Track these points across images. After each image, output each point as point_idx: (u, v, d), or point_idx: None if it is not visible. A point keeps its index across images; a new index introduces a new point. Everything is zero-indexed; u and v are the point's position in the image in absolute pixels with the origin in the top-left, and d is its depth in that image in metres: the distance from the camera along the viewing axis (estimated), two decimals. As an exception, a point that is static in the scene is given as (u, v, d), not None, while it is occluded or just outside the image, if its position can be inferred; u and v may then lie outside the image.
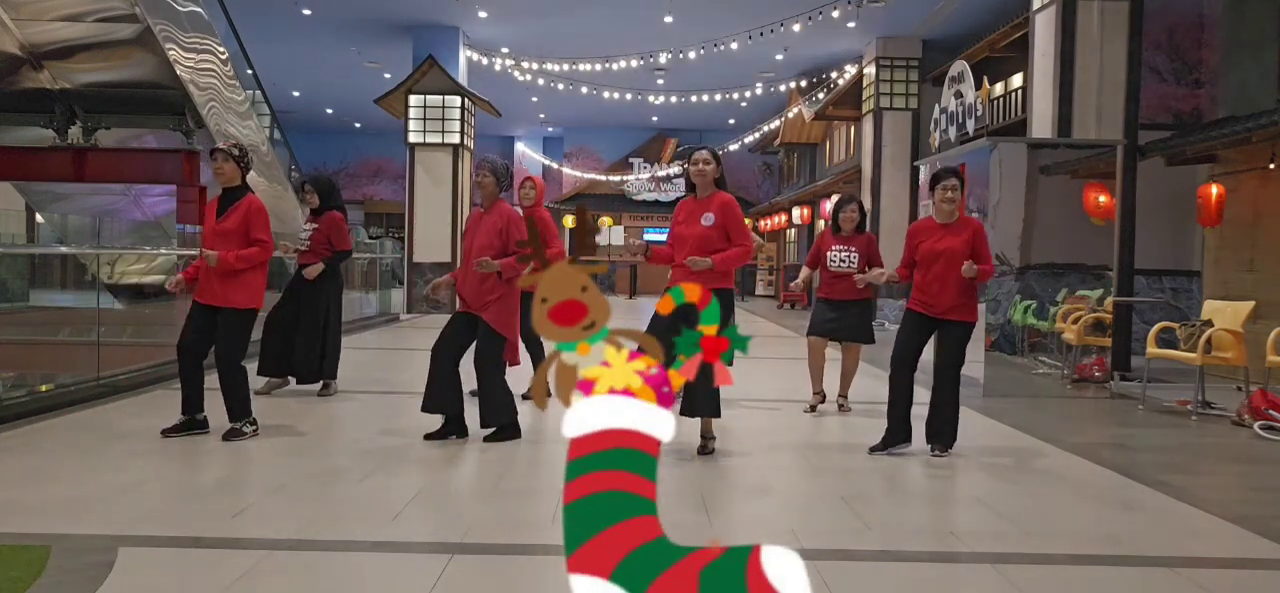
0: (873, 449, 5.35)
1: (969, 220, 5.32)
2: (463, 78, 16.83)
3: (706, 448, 5.20)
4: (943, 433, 5.29)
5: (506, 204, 5.50)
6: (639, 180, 28.07)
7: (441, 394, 5.34)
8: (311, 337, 6.96)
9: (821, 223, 20.50)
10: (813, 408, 6.80)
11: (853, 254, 6.62)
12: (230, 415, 5.29)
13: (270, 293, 6.38)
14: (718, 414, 5.14)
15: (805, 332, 7.01)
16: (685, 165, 5.30)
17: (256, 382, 7.14)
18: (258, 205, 5.36)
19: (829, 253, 6.70)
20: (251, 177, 5.59)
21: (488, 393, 5.38)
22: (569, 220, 27.02)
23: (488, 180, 5.41)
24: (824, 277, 6.77)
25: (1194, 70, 11.66)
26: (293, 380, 7.13)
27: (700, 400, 5.05)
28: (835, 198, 6.92)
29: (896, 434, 5.33)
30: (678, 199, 5.28)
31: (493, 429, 5.42)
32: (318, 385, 7.10)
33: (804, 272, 6.89)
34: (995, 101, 13.74)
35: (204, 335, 5.29)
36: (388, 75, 19.42)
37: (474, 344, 5.43)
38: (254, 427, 5.37)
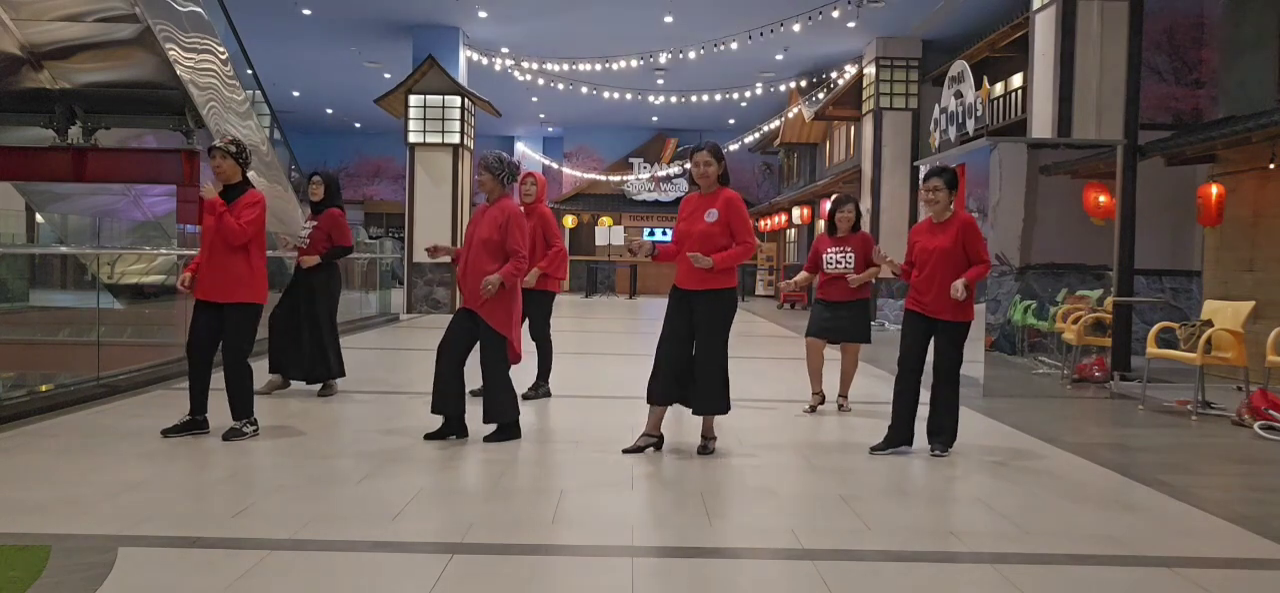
0: (874, 449, 5.36)
1: (961, 219, 5.33)
2: (463, 78, 16.84)
3: (707, 448, 5.21)
4: (942, 432, 5.32)
5: (510, 200, 5.48)
6: (639, 180, 28.07)
7: (445, 395, 5.35)
8: (317, 336, 6.97)
9: (821, 223, 20.50)
10: (812, 409, 6.81)
11: (849, 255, 6.63)
12: (233, 413, 5.31)
13: (272, 292, 6.39)
14: (726, 409, 5.15)
15: (804, 333, 7.02)
16: (687, 164, 5.34)
17: (259, 381, 7.15)
18: (253, 198, 5.38)
19: (825, 255, 6.70)
20: (251, 176, 5.60)
21: (492, 390, 5.38)
22: (570, 221, 27.03)
23: (486, 178, 5.40)
24: (821, 278, 6.78)
25: (1194, 70, 11.66)
26: (290, 382, 7.13)
27: (710, 397, 5.07)
28: (833, 198, 6.92)
29: (898, 435, 5.36)
30: (679, 199, 5.33)
31: (493, 429, 5.42)
32: (317, 385, 7.10)
33: (802, 274, 6.90)
34: (995, 101, 13.74)
35: (212, 333, 5.32)
36: (388, 75, 19.43)
37: (478, 343, 5.43)
38: (254, 427, 5.38)
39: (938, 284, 5.22)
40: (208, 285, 5.25)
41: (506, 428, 5.44)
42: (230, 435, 5.25)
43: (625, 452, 5.16)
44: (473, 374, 5.47)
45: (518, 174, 5.68)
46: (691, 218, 5.12)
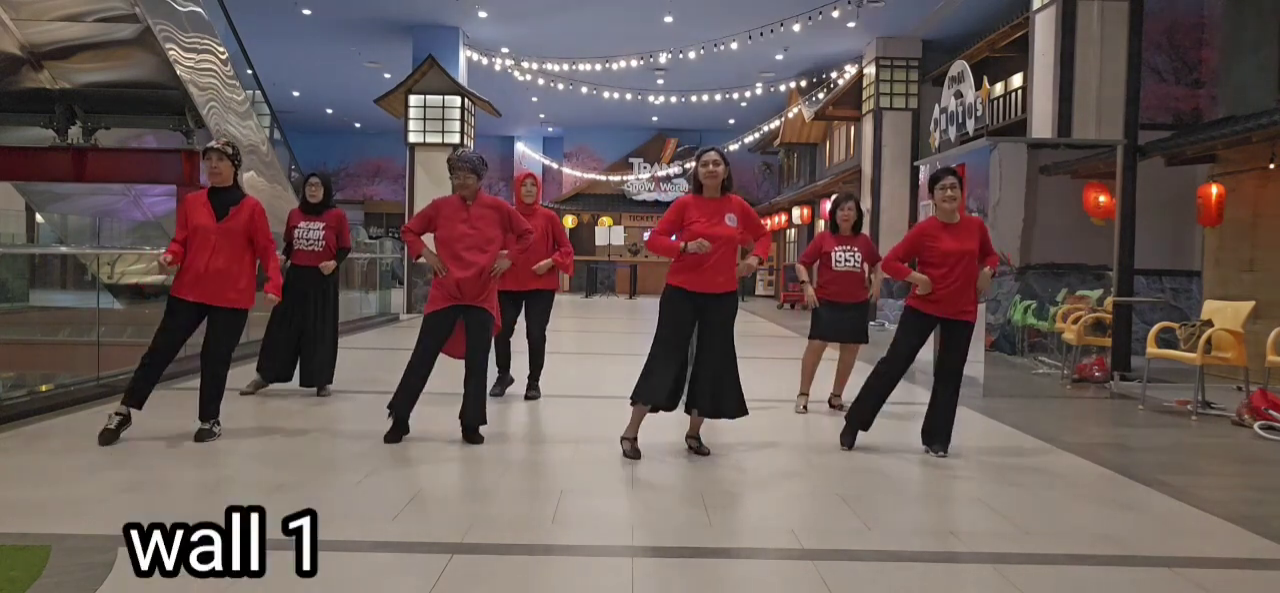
0: (847, 445, 5.44)
1: (972, 220, 5.39)
2: (463, 78, 16.84)
3: (702, 448, 5.22)
4: (944, 433, 5.32)
5: (488, 194, 5.48)
6: (639, 180, 28.07)
7: (411, 399, 5.37)
8: (331, 340, 7.04)
9: (821, 223, 20.49)
10: (805, 409, 6.83)
11: (856, 254, 6.67)
12: (204, 413, 5.26)
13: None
14: (744, 412, 5.14)
15: (808, 334, 7.02)
16: (687, 164, 5.34)
17: (241, 382, 7.15)
18: (261, 208, 5.45)
19: (833, 253, 6.72)
20: (252, 176, 5.62)
21: (478, 391, 5.34)
22: (570, 221, 27.03)
23: (472, 181, 5.34)
24: (825, 277, 6.78)
25: (1194, 70, 11.66)
26: (269, 383, 7.09)
27: (736, 399, 5.08)
28: (834, 196, 6.94)
29: (863, 422, 5.45)
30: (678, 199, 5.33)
31: (477, 431, 5.39)
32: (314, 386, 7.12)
33: (800, 269, 6.89)
34: (995, 101, 13.74)
35: (186, 334, 5.26)
36: (388, 75, 19.43)
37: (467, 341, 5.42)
38: (220, 427, 5.38)
39: (969, 288, 5.24)
40: (204, 287, 5.20)
41: (478, 432, 5.39)
42: (202, 437, 5.21)
43: (627, 456, 5.13)
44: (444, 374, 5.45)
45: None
46: (710, 223, 4.98)
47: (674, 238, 5.05)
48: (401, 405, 5.35)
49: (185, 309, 5.22)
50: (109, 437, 5.07)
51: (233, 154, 5.38)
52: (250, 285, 5.37)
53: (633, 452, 5.07)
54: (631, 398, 5.05)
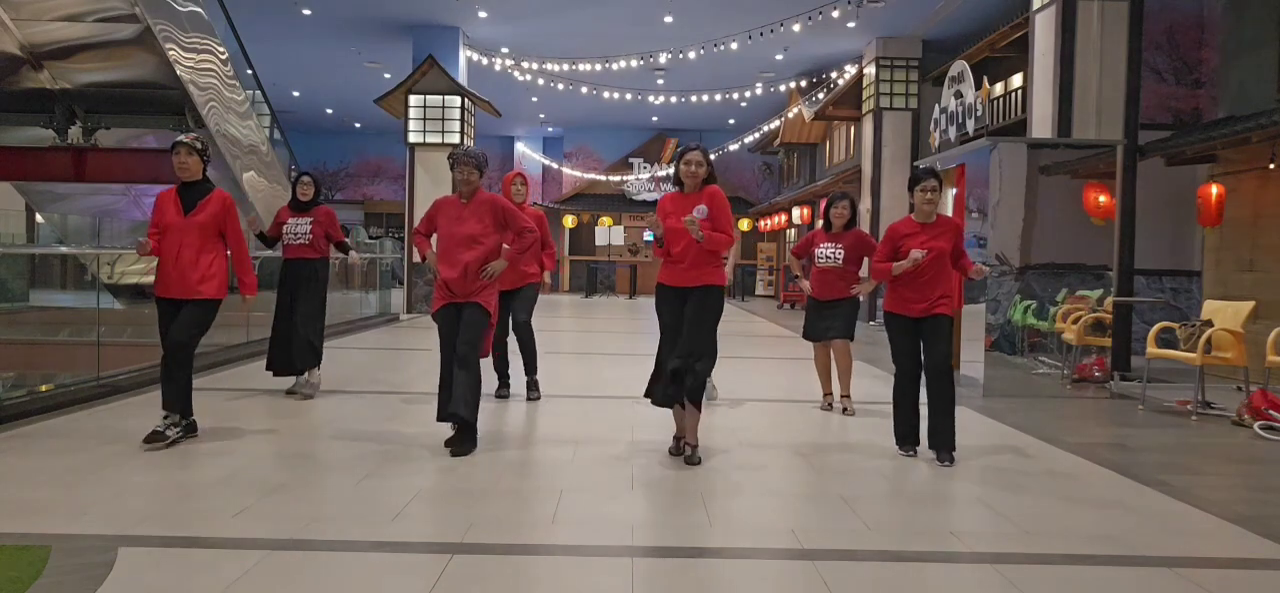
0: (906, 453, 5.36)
1: (948, 220, 5.41)
2: (463, 78, 16.84)
3: (693, 456, 5.11)
4: (947, 436, 5.22)
5: (486, 191, 5.44)
6: (639, 180, 28.05)
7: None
8: (316, 325, 7.09)
9: (821, 223, 20.45)
10: (828, 407, 6.89)
11: (839, 251, 6.68)
12: (169, 405, 5.13)
13: (268, 292, 6.41)
14: (697, 403, 5.05)
15: (802, 335, 7.07)
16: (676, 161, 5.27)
17: (276, 382, 7.20)
18: (231, 202, 5.41)
19: (817, 250, 6.77)
20: (252, 176, 5.62)
21: (467, 382, 5.15)
22: (570, 221, 27.03)
23: (474, 177, 5.33)
24: (814, 276, 6.83)
25: (1194, 70, 11.66)
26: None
27: (695, 388, 5.02)
28: (830, 195, 6.98)
29: (913, 438, 5.39)
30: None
31: (455, 432, 5.24)
32: (304, 377, 7.16)
33: (793, 261, 6.99)
34: (995, 101, 13.74)
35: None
36: (388, 75, 19.43)
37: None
38: (180, 428, 5.20)
39: (939, 286, 5.25)
40: (175, 282, 5.17)
41: (471, 430, 5.22)
42: (152, 438, 5.04)
43: (671, 454, 5.11)
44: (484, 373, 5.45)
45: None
46: (677, 214, 5.02)
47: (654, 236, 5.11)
48: (445, 407, 5.25)
49: (168, 308, 5.22)
50: (157, 438, 5.06)
51: (201, 149, 5.35)
52: (221, 279, 5.25)
53: (677, 450, 5.10)
54: (656, 402, 5.06)
